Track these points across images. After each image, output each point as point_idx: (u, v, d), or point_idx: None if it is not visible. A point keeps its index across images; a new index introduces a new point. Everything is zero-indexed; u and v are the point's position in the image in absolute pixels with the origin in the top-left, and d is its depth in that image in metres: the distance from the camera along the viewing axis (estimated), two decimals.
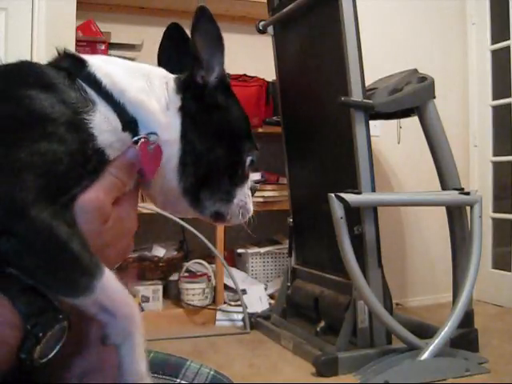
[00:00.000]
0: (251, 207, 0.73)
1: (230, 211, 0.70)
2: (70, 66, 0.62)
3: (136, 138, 0.62)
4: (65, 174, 0.55)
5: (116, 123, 0.61)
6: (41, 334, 0.51)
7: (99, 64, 0.64)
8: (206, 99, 0.67)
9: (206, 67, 0.67)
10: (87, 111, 0.59)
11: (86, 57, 0.64)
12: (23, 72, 0.61)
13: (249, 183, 0.74)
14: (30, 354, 0.51)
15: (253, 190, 0.76)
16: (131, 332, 0.55)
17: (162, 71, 0.70)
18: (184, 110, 0.66)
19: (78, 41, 2.62)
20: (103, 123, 0.60)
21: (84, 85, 0.61)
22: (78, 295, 0.52)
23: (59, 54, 0.65)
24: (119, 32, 2.89)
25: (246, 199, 0.72)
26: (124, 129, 0.62)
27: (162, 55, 0.77)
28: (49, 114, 0.56)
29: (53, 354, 0.54)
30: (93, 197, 0.58)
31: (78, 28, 2.65)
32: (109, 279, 0.55)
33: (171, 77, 0.69)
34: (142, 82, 0.65)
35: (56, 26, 2.51)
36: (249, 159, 0.71)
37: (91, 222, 0.57)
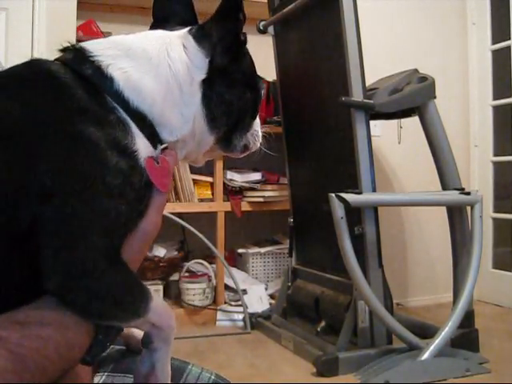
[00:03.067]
0: (260, 132, 0.77)
1: (249, 141, 0.75)
2: (92, 73, 0.62)
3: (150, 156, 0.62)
4: (124, 225, 0.59)
5: (147, 143, 0.63)
6: (108, 344, 0.59)
7: (117, 68, 0.63)
8: (239, 51, 0.69)
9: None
10: (132, 143, 0.60)
11: (98, 57, 0.65)
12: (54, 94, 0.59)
13: None
14: (94, 358, 0.58)
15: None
16: (170, 341, 0.64)
17: (176, 39, 0.68)
18: (212, 69, 0.66)
19: (78, 41, 2.60)
20: (143, 149, 0.61)
21: (114, 105, 0.61)
22: (135, 319, 0.59)
23: (69, 48, 0.66)
24: (120, 32, 2.82)
25: (258, 127, 0.77)
26: (150, 142, 0.63)
27: (156, 4, 0.78)
28: (104, 163, 0.56)
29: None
30: (152, 222, 0.62)
31: (78, 28, 2.65)
32: (155, 299, 0.61)
33: (188, 39, 0.67)
34: (162, 83, 0.64)
35: (56, 26, 2.50)
36: (262, 93, 0.76)
37: (149, 240, 0.63)
